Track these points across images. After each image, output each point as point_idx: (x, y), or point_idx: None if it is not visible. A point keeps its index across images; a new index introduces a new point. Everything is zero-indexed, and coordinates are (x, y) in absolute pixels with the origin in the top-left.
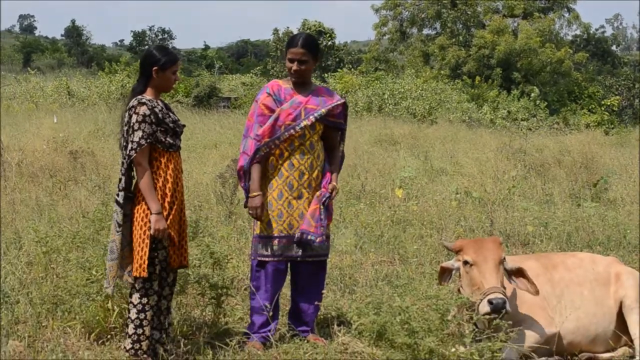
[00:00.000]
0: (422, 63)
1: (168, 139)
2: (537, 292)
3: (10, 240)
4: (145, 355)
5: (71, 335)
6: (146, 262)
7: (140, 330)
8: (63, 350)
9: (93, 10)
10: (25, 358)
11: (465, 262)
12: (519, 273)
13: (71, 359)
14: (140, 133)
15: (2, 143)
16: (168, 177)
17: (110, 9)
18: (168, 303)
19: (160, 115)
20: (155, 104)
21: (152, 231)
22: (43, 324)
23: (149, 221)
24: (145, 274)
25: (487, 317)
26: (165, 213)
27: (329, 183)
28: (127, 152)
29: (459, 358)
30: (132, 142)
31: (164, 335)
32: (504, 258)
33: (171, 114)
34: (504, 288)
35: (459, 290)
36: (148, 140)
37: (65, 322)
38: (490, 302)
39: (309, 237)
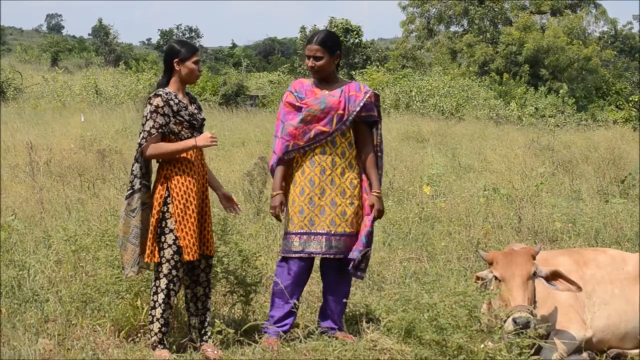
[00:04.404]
0: (450, 60)
1: (183, 131)
2: (579, 289)
3: (40, 238)
4: (155, 338)
5: (101, 333)
6: (156, 247)
7: (153, 312)
8: (93, 348)
9: (120, 9)
10: (55, 356)
11: (495, 277)
12: (556, 275)
13: (101, 357)
14: (151, 122)
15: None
16: (185, 168)
17: (137, 8)
18: (204, 290)
19: (175, 108)
20: (172, 96)
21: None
22: (72, 322)
23: (158, 205)
24: (156, 260)
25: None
26: (181, 204)
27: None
28: (139, 140)
29: (487, 354)
30: (144, 131)
31: (197, 322)
32: (534, 272)
33: (190, 107)
34: (535, 302)
35: (490, 300)
36: (159, 130)
37: (95, 320)
38: (514, 320)
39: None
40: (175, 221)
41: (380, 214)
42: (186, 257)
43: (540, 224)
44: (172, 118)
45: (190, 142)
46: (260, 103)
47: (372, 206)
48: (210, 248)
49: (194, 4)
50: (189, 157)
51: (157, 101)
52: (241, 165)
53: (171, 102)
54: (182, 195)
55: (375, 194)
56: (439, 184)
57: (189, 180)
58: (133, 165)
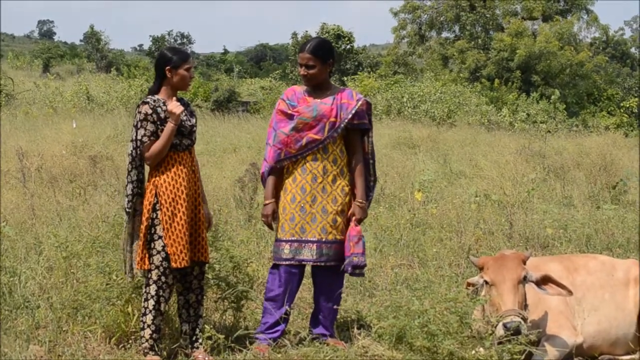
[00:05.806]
0: (441, 66)
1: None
2: (570, 293)
3: (31, 245)
4: (146, 344)
5: (92, 339)
6: (146, 254)
7: (144, 318)
8: (84, 355)
9: (112, 15)
10: None
11: (486, 282)
12: (547, 280)
13: None
14: (142, 131)
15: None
16: (173, 175)
17: (128, 14)
18: (196, 296)
19: (162, 115)
20: (160, 103)
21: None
22: (63, 329)
23: (147, 212)
24: (146, 266)
25: (505, 338)
26: (169, 211)
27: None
28: (131, 150)
29: None
30: (136, 140)
31: (189, 328)
32: (525, 276)
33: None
34: (526, 306)
35: (483, 306)
36: (151, 138)
37: (86, 326)
38: (505, 325)
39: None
40: (163, 228)
41: (359, 222)
42: (173, 265)
43: (531, 230)
44: (160, 125)
45: (168, 125)
46: (252, 109)
47: (352, 215)
48: (205, 255)
49: (185, 10)
50: (178, 163)
51: (145, 109)
52: (232, 172)
53: (158, 109)
54: (170, 202)
55: (358, 203)
56: (430, 190)
57: (178, 188)
58: (128, 175)
